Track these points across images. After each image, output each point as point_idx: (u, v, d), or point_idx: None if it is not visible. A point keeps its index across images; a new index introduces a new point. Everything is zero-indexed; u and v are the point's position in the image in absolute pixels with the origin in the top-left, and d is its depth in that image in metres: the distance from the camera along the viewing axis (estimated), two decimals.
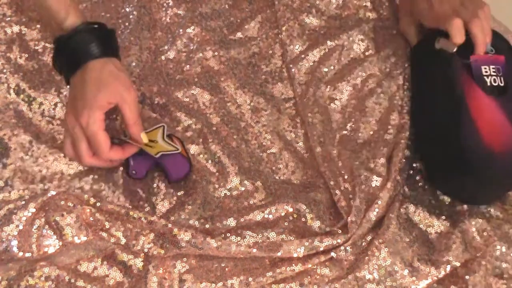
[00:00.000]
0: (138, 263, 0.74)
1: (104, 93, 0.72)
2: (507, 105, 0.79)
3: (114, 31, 0.79)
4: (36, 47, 0.87)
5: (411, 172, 0.83)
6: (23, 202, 0.73)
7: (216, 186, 0.80)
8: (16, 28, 0.87)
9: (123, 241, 0.74)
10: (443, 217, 0.80)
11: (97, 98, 0.72)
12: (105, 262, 0.74)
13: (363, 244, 0.77)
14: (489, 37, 0.81)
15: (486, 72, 0.80)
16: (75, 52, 0.75)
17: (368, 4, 0.96)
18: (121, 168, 0.80)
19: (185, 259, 0.74)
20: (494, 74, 0.80)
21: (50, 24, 0.77)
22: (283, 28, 0.93)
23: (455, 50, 0.80)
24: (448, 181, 0.81)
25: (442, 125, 0.80)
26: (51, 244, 0.73)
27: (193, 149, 0.82)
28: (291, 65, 0.90)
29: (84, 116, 0.72)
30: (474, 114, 0.77)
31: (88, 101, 0.72)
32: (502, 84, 0.80)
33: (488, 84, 0.80)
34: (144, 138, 0.76)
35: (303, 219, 0.78)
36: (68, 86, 0.78)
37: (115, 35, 0.79)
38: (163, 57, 0.90)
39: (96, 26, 0.76)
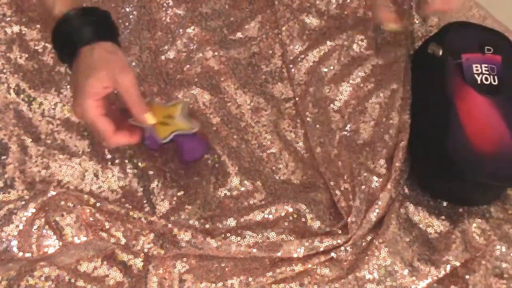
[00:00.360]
0: (138, 263, 0.74)
1: (93, 79, 0.68)
2: (502, 104, 0.79)
3: (107, 13, 0.74)
4: (36, 47, 0.87)
5: (411, 172, 0.83)
6: (23, 202, 0.73)
7: (216, 186, 0.80)
8: (16, 28, 0.87)
9: (123, 241, 0.74)
10: (443, 217, 0.80)
11: (87, 85, 0.68)
12: (105, 262, 0.74)
13: (363, 244, 0.77)
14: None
15: (478, 70, 0.80)
16: (66, 41, 0.72)
17: (368, 3, 0.96)
18: (120, 168, 0.80)
19: (185, 259, 0.75)
20: (487, 72, 0.80)
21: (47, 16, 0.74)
22: (283, 28, 0.93)
23: (441, 53, 0.82)
24: (439, 185, 0.81)
25: (432, 129, 0.80)
26: (51, 244, 0.73)
27: None
28: (291, 65, 0.90)
29: (78, 106, 0.69)
30: (463, 117, 0.77)
31: (79, 90, 0.69)
32: (495, 83, 0.80)
33: (479, 82, 0.80)
34: (150, 119, 0.71)
35: (303, 219, 0.78)
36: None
37: (109, 17, 0.74)
38: (163, 57, 0.90)
39: (84, 11, 0.72)
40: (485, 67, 0.81)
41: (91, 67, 0.68)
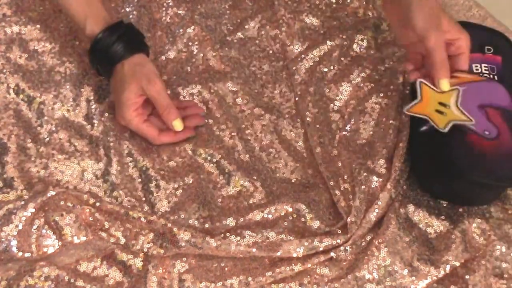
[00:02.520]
0: (137, 263, 0.74)
1: (126, 92, 0.77)
2: None
3: (130, 24, 0.82)
4: (36, 47, 0.87)
5: (411, 172, 0.83)
6: (23, 202, 0.73)
7: (216, 185, 0.80)
8: (16, 28, 0.87)
9: (123, 241, 0.74)
10: (443, 217, 0.80)
11: (122, 99, 0.78)
12: (104, 262, 0.74)
13: (362, 244, 0.77)
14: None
15: (477, 69, 0.81)
16: (102, 61, 0.80)
17: (368, 3, 0.96)
18: (119, 168, 0.80)
19: (184, 258, 0.74)
20: (486, 72, 0.81)
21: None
22: (283, 28, 0.93)
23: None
24: (439, 185, 0.81)
25: (432, 128, 0.80)
26: (51, 244, 0.73)
27: (192, 148, 0.82)
28: (291, 65, 0.90)
29: (120, 117, 0.79)
30: None
31: (118, 104, 0.79)
32: None
33: None
34: (177, 126, 0.79)
35: (302, 219, 0.78)
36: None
37: (133, 27, 0.82)
38: (163, 57, 0.90)
39: (110, 30, 0.78)
40: (485, 67, 0.81)
41: (123, 82, 0.78)
